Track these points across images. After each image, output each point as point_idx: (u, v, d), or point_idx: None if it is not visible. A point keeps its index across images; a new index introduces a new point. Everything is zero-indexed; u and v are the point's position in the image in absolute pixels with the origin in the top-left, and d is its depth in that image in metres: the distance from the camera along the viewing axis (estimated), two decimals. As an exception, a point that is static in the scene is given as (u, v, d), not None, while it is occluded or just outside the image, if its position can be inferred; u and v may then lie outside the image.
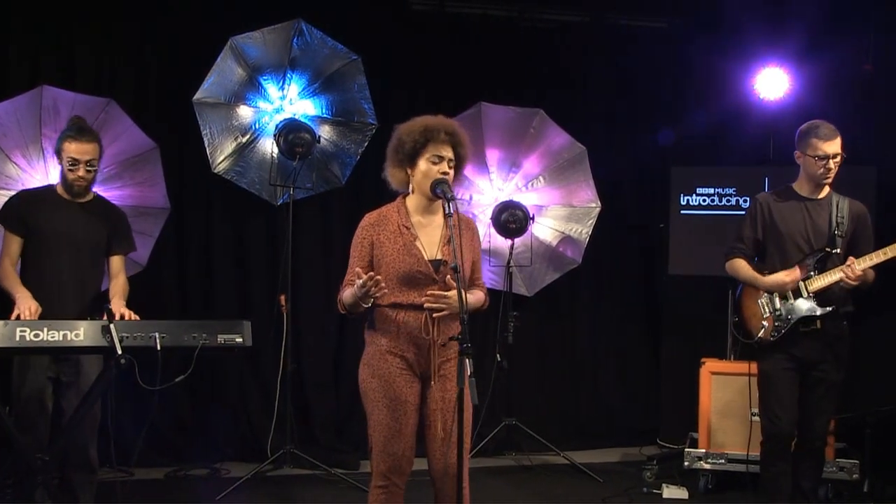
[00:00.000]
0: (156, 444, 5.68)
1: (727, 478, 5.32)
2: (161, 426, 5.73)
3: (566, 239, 6.17)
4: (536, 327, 6.55)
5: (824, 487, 5.16)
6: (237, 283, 6.02)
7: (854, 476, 5.15)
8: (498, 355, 5.94)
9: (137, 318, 3.88)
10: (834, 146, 4.12)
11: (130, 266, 5.36)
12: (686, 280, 6.12)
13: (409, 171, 3.42)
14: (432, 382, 3.36)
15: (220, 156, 5.60)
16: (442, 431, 3.35)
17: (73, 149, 4.13)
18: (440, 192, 3.30)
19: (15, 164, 5.05)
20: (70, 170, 4.16)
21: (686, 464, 5.38)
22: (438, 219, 3.43)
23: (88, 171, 4.18)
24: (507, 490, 5.51)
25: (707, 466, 5.32)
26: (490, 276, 6.12)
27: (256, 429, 5.88)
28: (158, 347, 3.51)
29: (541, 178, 6.12)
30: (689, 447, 5.47)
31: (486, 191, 6.09)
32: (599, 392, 6.71)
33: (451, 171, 3.40)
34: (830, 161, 4.13)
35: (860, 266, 3.99)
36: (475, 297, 3.48)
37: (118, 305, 3.96)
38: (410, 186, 3.45)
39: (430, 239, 3.40)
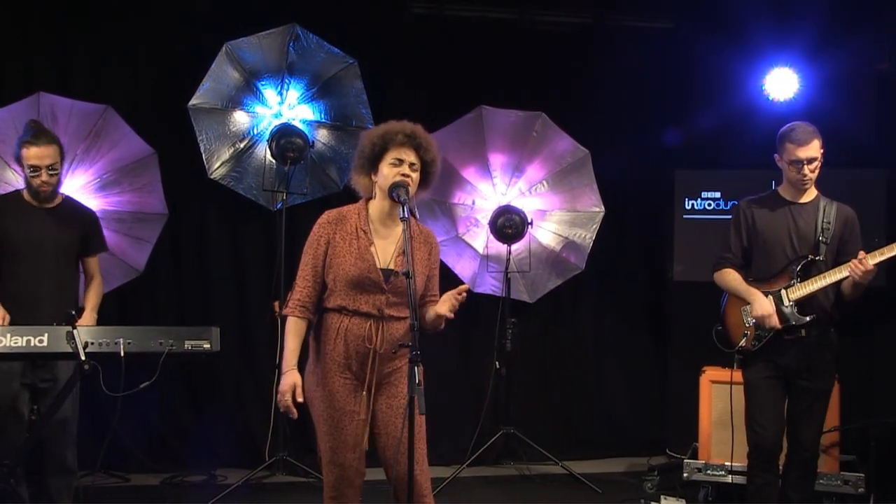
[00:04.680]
0: (154, 450, 5.71)
1: (728, 489, 5.18)
2: (159, 432, 5.77)
3: (569, 244, 6.06)
4: (538, 334, 6.46)
5: (829, 501, 4.99)
6: (234, 289, 6.00)
7: (860, 490, 4.98)
8: (496, 362, 5.85)
9: None
10: (808, 151, 3.96)
11: (128, 272, 5.42)
12: (692, 286, 5.97)
13: (372, 177, 3.39)
14: (364, 392, 3.27)
15: (217, 161, 5.61)
16: (392, 440, 3.26)
17: (31, 154, 4.10)
18: (395, 195, 3.26)
19: (14, 170, 5.07)
20: (32, 176, 4.14)
21: (685, 475, 5.24)
22: (398, 229, 3.36)
23: (51, 175, 4.16)
24: (501, 499, 5.45)
25: (705, 478, 5.17)
26: (490, 283, 6.05)
27: (254, 435, 5.85)
28: (122, 353, 3.48)
29: (544, 182, 6.02)
30: (689, 458, 5.34)
31: (489, 196, 6.01)
32: (604, 400, 6.58)
33: (414, 175, 3.33)
34: (805, 167, 3.98)
35: (872, 261, 3.79)
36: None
37: (89, 318, 3.98)
38: (374, 192, 3.40)
39: (386, 247, 3.35)
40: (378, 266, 3.29)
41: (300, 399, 3.27)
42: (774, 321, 3.95)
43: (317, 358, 3.34)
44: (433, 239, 3.50)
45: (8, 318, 3.92)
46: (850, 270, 3.83)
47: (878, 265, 3.82)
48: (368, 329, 3.26)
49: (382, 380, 3.30)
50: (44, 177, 4.14)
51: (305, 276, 3.35)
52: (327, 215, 3.42)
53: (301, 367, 3.36)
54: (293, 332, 3.33)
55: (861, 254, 3.84)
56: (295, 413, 3.28)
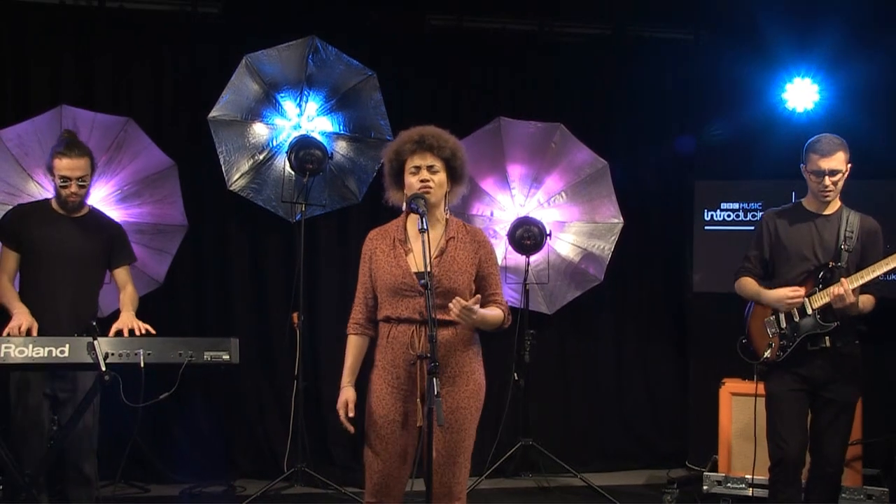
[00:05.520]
0: (173, 460, 5.71)
1: (749, 503, 5.13)
2: (178, 443, 5.79)
3: (588, 255, 6.04)
4: (557, 346, 6.43)
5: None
6: (254, 300, 6.02)
7: (883, 504, 4.93)
8: (515, 374, 5.84)
9: (150, 328, 3.91)
10: (831, 162, 3.94)
11: (148, 283, 5.45)
12: (712, 297, 5.94)
13: (404, 191, 3.42)
14: (418, 400, 3.30)
15: (237, 173, 5.64)
16: (434, 452, 3.27)
17: (63, 165, 4.15)
18: (413, 206, 3.27)
19: (37, 182, 5.15)
20: (62, 186, 4.19)
21: (705, 488, 5.21)
22: (436, 232, 3.38)
23: (80, 187, 4.21)
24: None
25: (726, 491, 5.13)
26: (509, 294, 6.03)
27: (273, 446, 5.87)
28: (142, 364, 3.51)
29: (563, 193, 6.01)
30: (709, 470, 5.30)
31: (507, 207, 6.01)
32: (623, 412, 6.53)
33: (436, 177, 3.34)
34: (827, 178, 3.96)
35: (851, 285, 3.83)
36: (492, 313, 3.39)
37: (128, 318, 3.99)
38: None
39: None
40: (412, 271, 3.31)
41: (352, 414, 3.35)
42: (799, 294, 3.94)
43: (372, 367, 3.42)
44: (480, 236, 3.48)
45: (34, 325, 3.94)
46: (829, 297, 3.85)
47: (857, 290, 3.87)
48: (411, 335, 3.29)
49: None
50: (73, 188, 4.18)
51: (358, 294, 3.48)
52: (370, 233, 3.52)
53: (365, 378, 3.46)
54: (349, 350, 3.47)
55: (843, 280, 3.85)
56: (351, 429, 3.35)
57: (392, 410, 3.31)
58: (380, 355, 3.38)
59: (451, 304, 3.16)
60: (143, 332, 3.89)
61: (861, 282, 3.86)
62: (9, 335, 3.81)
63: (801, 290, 3.97)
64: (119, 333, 3.88)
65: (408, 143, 3.36)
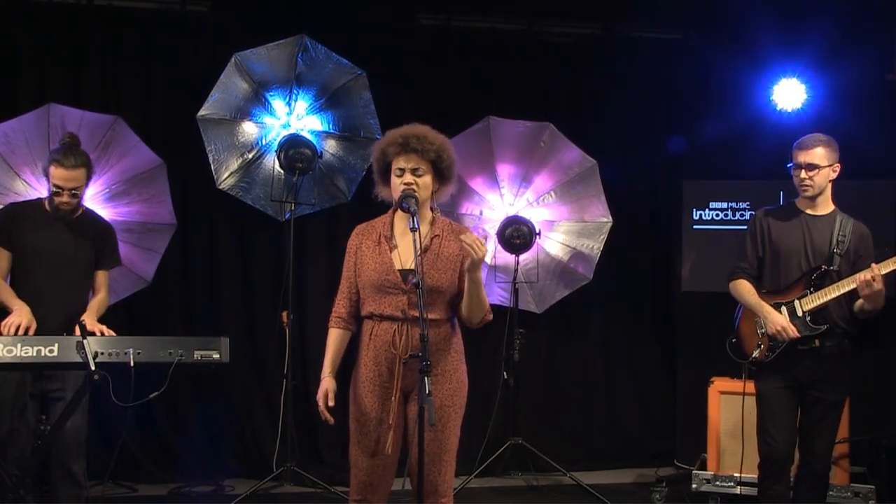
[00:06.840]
0: (162, 460, 5.71)
1: (737, 501, 5.15)
2: (167, 442, 5.78)
3: (577, 255, 6.05)
4: (546, 345, 6.45)
5: (839, 513, 4.98)
6: (243, 299, 6.02)
7: (870, 502, 4.96)
8: (504, 373, 5.85)
9: (113, 333, 3.87)
10: (807, 156, 3.98)
11: (137, 282, 5.43)
12: (700, 296, 5.97)
13: (390, 187, 3.42)
14: (394, 398, 3.29)
15: (226, 172, 5.62)
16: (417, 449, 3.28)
17: (57, 175, 4.09)
18: (405, 206, 3.27)
19: (24, 181, 5.12)
20: (55, 194, 4.15)
21: (694, 486, 5.23)
22: (422, 230, 3.36)
23: (73, 197, 4.16)
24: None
25: (714, 489, 5.16)
26: (498, 293, 6.04)
27: (262, 446, 5.86)
28: (132, 364, 3.48)
29: (552, 193, 6.02)
30: (698, 469, 5.32)
31: (496, 206, 6.02)
32: (613, 411, 6.56)
33: (420, 180, 3.32)
34: (803, 171, 3.99)
35: (883, 270, 3.80)
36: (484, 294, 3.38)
37: (91, 322, 3.95)
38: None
39: (408, 249, 3.35)
40: (395, 268, 3.30)
41: (331, 403, 3.33)
42: (791, 331, 3.95)
43: (356, 364, 3.41)
44: (464, 232, 3.46)
45: (35, 326, 3.91)
46: (857, 283, 3.84)
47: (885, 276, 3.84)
48: (393, 333, 3.28)
49: (413, 385, 3.28)
50: (65, 198, 4.14)
51: (341, 288, 3.48)
52: (357, 228, 3.51)
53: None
54: (330, 342, 3.46)
55: (873, 265, 3.84)
56: (331, 419, 3.34)
57: (377, 408, 3.31)
58: (363, 352, 3.37)
59: (462, 237, 3.16)
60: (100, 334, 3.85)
61: (893, 267, 3.82)
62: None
63: (794, 332, 3.96)
64: None
65: (392, 146, 3.34)
